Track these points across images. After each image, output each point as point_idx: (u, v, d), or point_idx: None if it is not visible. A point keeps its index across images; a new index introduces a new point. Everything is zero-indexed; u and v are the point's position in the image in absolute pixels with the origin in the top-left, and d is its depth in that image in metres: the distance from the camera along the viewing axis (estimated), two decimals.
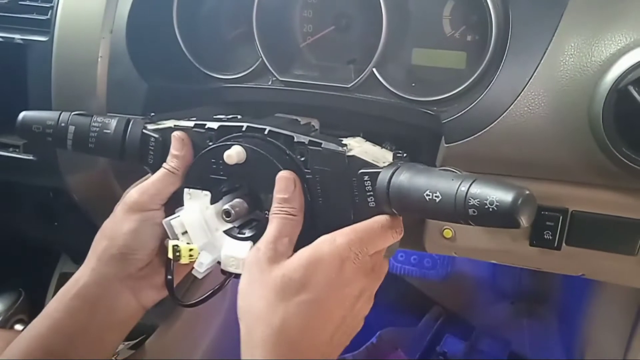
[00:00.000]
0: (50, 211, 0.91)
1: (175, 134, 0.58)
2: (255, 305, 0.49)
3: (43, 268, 1.02)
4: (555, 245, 0.62)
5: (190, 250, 0.55)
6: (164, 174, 0.58)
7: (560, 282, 1.31)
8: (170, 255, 0.55)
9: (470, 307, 1.41)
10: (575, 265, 0.65)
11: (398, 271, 1.36)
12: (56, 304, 0.56)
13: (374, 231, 0.51)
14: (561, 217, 0.60)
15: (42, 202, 0.90)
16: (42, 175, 0.80)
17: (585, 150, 0.55)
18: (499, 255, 0.68)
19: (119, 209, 0.58)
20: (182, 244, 0.55)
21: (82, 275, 0.57)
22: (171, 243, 0.55)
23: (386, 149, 0.59)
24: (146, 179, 0.64)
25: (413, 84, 0.67)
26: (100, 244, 0.57)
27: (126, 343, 1.07)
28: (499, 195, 0.42)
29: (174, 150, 0.58)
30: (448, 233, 0.68)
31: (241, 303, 0.50)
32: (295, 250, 0.51)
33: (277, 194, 0.52)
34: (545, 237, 0.61)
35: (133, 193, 0.58)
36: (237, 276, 0.55)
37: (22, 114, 0.63)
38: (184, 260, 0.55)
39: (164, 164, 0.59)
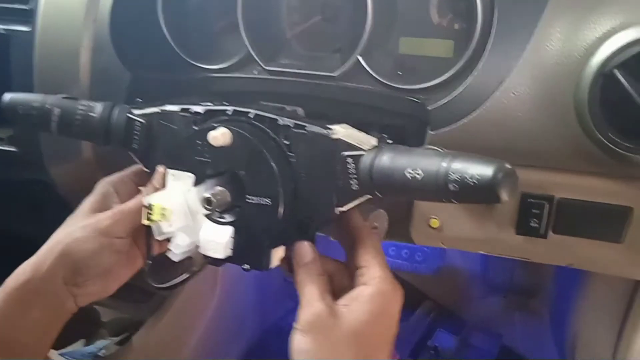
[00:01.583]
0: (36, 205, 0.90)
1: (159, 167, 0.58)
2: None
3: None
4: (542, 233, 0.61)
5: (163, 209, 0.54)
6: (141, 205, 0.57)
7: (552, 275, 1.31)
8: (143, 220, 0.54)
9: (462, 301, 1.41)
10: (562, 255, 0.65)
11: (389, 265, 1.36)
12: (3, 295, 0.57)
13: (379, 247, 0.54)
14: (547, 205, 0.60)
15: (27, 196, 0.89)
16: (26, 167, 0.79)
17: (571, 136, 0.55)
18: (486, 245, 0.68)
19: (90, 226, 0.58)
20: (155, 201, 0.54)
21: (32, 270, 0.57)
22: (145, 202, 0.54)
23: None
24: (123, 174, 0.64)
25: (399, 72, 0.67)
26: (58, 246, 0.57)
27: (113, 339, 1.06)
28: (479, 169, 0.41)
29: (156, 182, 0.58)
30: (435, 223, 0.67)
31: None
32: None
33: (300, 261, 0.53)
34: (532, 225, 0.61)
35: (107, 217, 0.58)
36: (215, 261, 0.55)
37: (7, 96, 0.63)
38: (156, 217, 0.53)
39: (143, 194, 0.59)
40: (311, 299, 0.49)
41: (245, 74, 0.71)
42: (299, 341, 0.48)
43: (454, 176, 0.42)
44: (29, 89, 0.72)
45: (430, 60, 0.67)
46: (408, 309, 1.39)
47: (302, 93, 0.68)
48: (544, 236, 0.62)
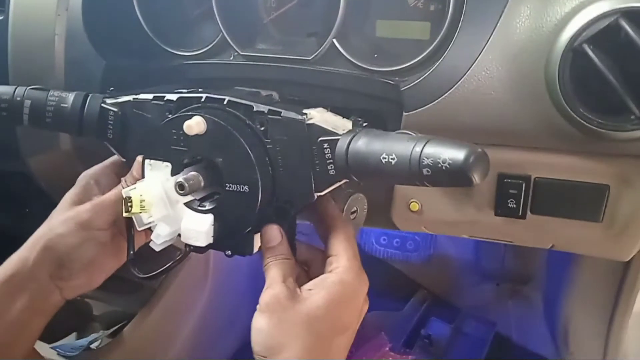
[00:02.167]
0: (18, 198, 0.90)
1: (139, 157, 0.58)
2: (290, 344, 0.48)
3: None
4: (520, 213, 0.61)
5: (142, 201, 0.53)
6: (120, 196, 0.57)
7: (544, 261, 1.30)
8: (123, 212, 0.54)
9: (455, 289, 1.40)
10: (543, 236, 0.64)
11: (381, 255, 1.35)
12: None
13: (351, 237, 0.53)
14: (524, 185, 0.59)
15: (9, 188, 0.89)
16: (4, 159, 0.79)
17: (543, 114, 0.54)
18: (467, 227, 0.67)
19: (71, 219, 0.58)
20: (133, 193, 0.53)
21: (18, 264, 0.57)
22: (124, 194, 0.54)
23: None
24: (103, 165, 0.64)
25: (375, 55, 0.66)
26: (40, 241, 0.57)
27: (104, 331, 1.06)
28: (451, 153, 0.41)
29: (135, 173, 0.58)
30: (415, 206, 0.67)
31: (269, 342, 0.49)
32: None
33: (267, 245, 0.54)
34: (510, 205, 0.60)
35: (87, 210, 0.58)
36: (198, 248, 0.55)
37: None
38: (135, 210, 0.53)
39: (122, 184, 0.58)
40: (273, 281, 0.51)
41: (221, 59, 0.71)
42: (256, 320, 0.49)
43: (427, 160, 0.42)
44: (3, 79, 0.72)
45: (407, 43, 0.66)
46: (402, 298, 1.39)
47: (278, 78, 0.68)
48: (523, 217, 0.61)
